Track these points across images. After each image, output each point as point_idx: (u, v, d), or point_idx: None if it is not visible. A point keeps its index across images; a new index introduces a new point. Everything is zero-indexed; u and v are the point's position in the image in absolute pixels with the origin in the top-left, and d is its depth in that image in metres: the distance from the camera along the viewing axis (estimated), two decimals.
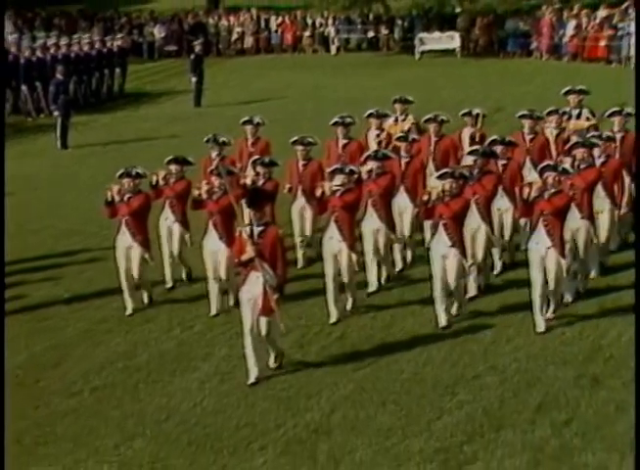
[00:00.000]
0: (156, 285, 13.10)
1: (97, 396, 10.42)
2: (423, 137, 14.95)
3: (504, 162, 13.15)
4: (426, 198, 11.69)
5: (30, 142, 24.43)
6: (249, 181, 13.09)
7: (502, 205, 13.14)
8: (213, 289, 12.39)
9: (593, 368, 10.53)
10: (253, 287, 10.38)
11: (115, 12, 43.31)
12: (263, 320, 10.38)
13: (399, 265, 13.70)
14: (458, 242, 11.62)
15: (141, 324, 12.26)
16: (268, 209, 11.36)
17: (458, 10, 39.65)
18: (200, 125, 23.08)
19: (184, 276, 13.47)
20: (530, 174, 13.48)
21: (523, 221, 13.30)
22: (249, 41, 40.92)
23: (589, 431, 9.22)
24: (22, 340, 11.82)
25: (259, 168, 13.23)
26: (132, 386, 10.58)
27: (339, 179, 12.05)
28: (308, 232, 14.10)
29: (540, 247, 11.41)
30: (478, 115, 15.51)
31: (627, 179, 13.88)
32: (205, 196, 12.22)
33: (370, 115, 15.70)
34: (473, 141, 14.87)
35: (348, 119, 15.05)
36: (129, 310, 12.58)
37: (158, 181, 12.91)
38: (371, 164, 12.76)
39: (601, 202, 13.06)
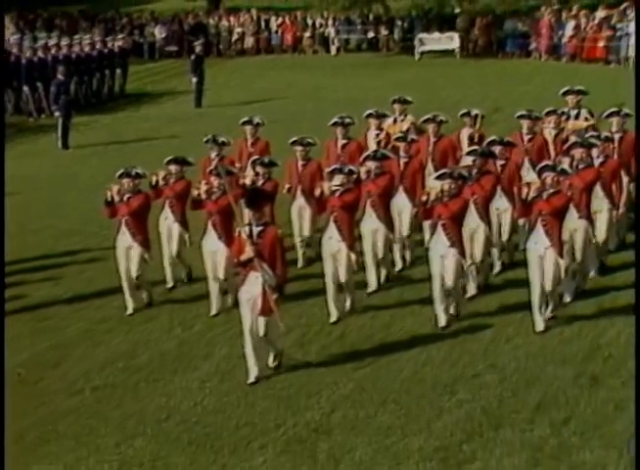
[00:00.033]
0: (156, 285, 13.13)
1: (98, 395, 10.44)
2: (422, 137, 14.95)
3: (502, 162, 13.18)
4: (425, 198, 11.71)
5: (32, 142, 24.46)
6: (248, 181, 13.12)
7: (501, 205, 13.17)
8: (213, 289, 12.41)
9: (592, 367, 10.55)
10: (253, 287, 10.39)
11: (116, 12, 43.33)
12: (261, 320, 10.38)
13: (399, 265, 13.73)
14: (457, 242, 11.64)
15: (141, 324, 12.28)
16: (267, 209, 11.35)
17: (457, 10, 39.68)
18: (200, 126, 22.96)
19: (184, 276, 13.52)
20: (529, 174, 13.51)
21: (521, 221, 13.29)
22: (249, 42, 40.93)
23: (588, 430, 9.24)
24: (23, 340, 11.84)
25: (259, 169, 13.25)
26: (133, 385, 10.61)
27: (338, 179, 12.07)
28: (308, 232, 14.12)
29: (539, 247, 11.43)
30: (476, 115, 15.52)
31: (626, 179, 13.92)
32: (204, 196, 12.23)
33: (369, 115, 15.71)
34: (471, 141, 14.87)
35: (348, 120, 15.06)
36: (130, 310, 12.61)
37: (157, 181, 12.93)
38: (370, 165, 12.79)
39: (599, 202, 13.06)
